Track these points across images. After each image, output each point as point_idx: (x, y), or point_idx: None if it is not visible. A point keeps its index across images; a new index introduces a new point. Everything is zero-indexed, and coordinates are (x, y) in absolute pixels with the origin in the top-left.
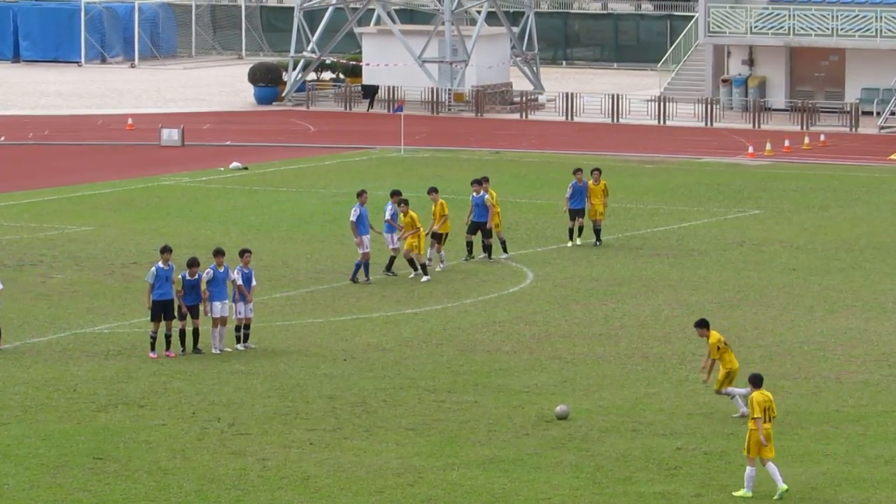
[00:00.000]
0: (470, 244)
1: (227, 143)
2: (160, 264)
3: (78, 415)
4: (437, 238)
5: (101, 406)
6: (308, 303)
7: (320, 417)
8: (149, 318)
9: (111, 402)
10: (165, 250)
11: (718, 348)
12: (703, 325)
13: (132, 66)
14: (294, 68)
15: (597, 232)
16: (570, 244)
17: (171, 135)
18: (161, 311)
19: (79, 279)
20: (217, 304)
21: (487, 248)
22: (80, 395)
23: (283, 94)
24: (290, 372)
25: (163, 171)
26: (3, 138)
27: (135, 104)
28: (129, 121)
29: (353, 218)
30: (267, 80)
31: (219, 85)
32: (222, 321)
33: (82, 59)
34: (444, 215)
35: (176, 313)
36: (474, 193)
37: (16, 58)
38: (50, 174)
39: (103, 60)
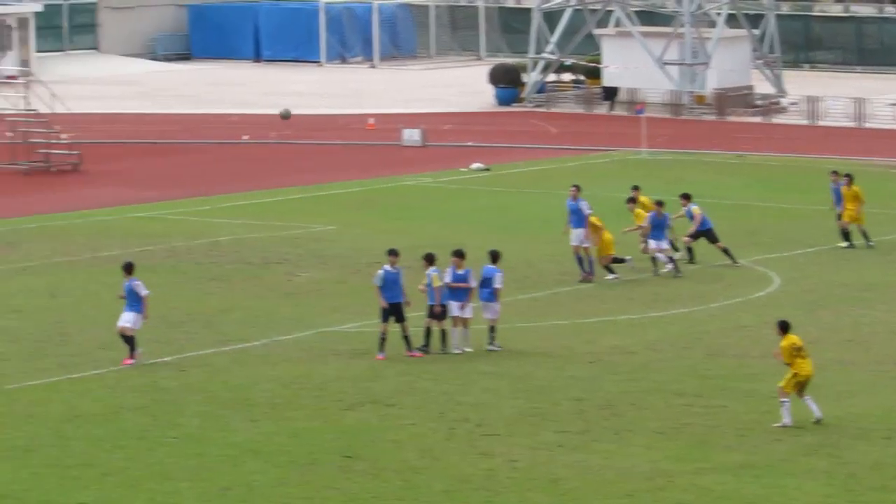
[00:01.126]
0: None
1: (468, 143)
2: (387, 266)
3: (326, 413)
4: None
5: (349, 405)
6: (552, 304)
7: (568, 419)
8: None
9: (359, 400)
10: (392, 253)
11: (791, 353)
12: (781, 327)
13: (372, 67)
14: (533, 69)
15: (863, 234)
16: (844, 244)
17: (412, 135)
18: (391, 313)
19: (323, 278)
20: (454, 304)
21: (725, 252)
22: (328, 393)
23: (522, 96)
24: (536, 373)
25: (404, 171)
26: (246, 137)
27: (375, 104)
28: (370, 121)
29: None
30: (507, 81)
31: (458, 85)
32: (463, 321)
33: (322, 59)
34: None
35: (427, 312)
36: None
37: (257, 58)
38: (293, 173)
39: (343, 60)
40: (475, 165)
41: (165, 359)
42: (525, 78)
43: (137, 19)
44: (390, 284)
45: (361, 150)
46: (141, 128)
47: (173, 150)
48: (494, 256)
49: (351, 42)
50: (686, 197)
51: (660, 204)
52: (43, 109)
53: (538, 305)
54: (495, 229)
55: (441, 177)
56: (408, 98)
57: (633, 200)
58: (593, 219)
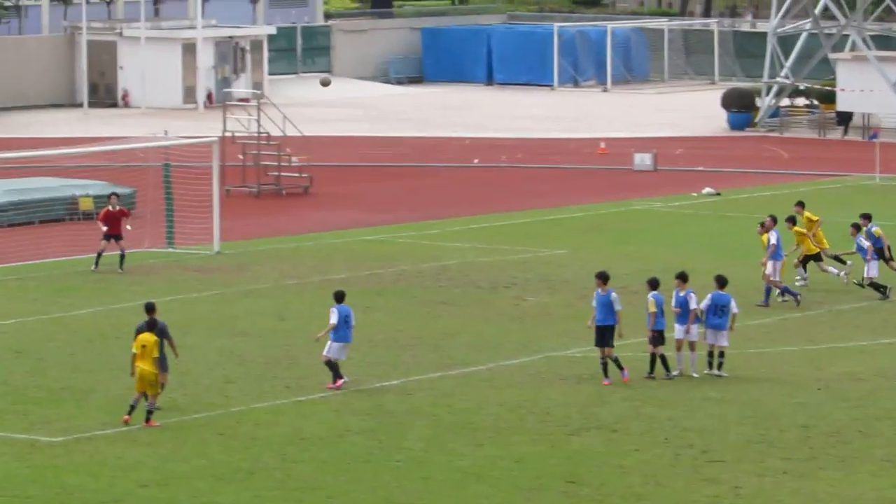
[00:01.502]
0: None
1: (700, 168)
2: (599, 290)
3: (551, 438)
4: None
5: (574, 430)
6: (781, 330)
7: (794, 446)
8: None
9: (584, 425)
10: (600, 277)
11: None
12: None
13: (604, 90)
14: (767, 94)
15: None
16: None
17: (643, 159)
18: (600, 335)
19: (552, 302)
20: (679, 328)
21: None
22: (553, 418)
23: (756, 120)
24: (763, 400)
25: (635, 195)
26: (476, 161)
27: (607, 128)
28: (602, 145)
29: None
30: (740, 106)
31: (691, 110)
32: (690, 344)
33: (555, 83)
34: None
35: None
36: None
37: (489, 81)
38: (522, 197)
39: (575, 84)
40: (706, 190)
41: (392, 382)
42: (758, 102)
43: (370, 42)
44: (600, 307)
45: (592, 174)
46: (372, 151)
47: (404, 174)
48: (722, 282)
49: (584, 65)
50: (866, 217)
51: (857, 227)
52: (275, 132)
53: (767, 331)
54: (724, 254)
55: (671, 201)
56: (640, 122)
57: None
58: (798, 227)
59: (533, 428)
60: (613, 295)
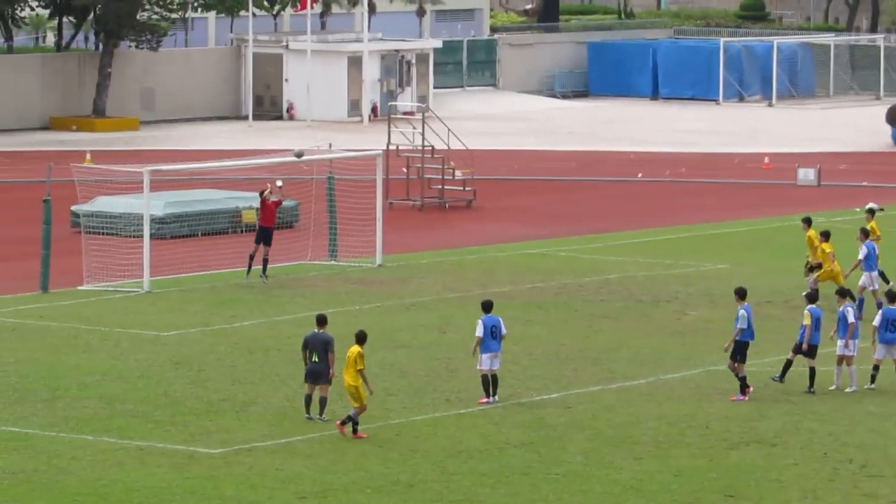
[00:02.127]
0: None
1: (864, 183)
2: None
3: (710, 451)
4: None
5: (734, 444)
6: None
7: None
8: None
9: (743, 439)
10: (738, 293)
11: None
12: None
13: (769, 105)
14: None
15: None
16: None
17: (807, 174)
18: (737, 351)
19: (713, 316)
20: (839, 343)
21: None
22: (713, 431)
23: None
24: None
25: (798, 210)
26: (640, 175)
27: (771, 143)
28: (766, 160)
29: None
30: None
31: (856, 125)
32: (847, 359)
33: (720, 98)
34: None
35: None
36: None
37: (654, 95)
38: (685, 211)
39: (741, 99)
40: (869, 206)
41: (552, 395)
42: None
43: (536, 56)
44: (742, 321)
45: (756, 189)
46: (536, 164)
47: (567, 187)
48: (893, 297)
49: (749, 80)
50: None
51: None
52: (439, 145)
53: None
54: (888, 270)
55: (834, 216)
56: (804, 137)
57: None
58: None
59: (692, 442)
60: (741, 312)
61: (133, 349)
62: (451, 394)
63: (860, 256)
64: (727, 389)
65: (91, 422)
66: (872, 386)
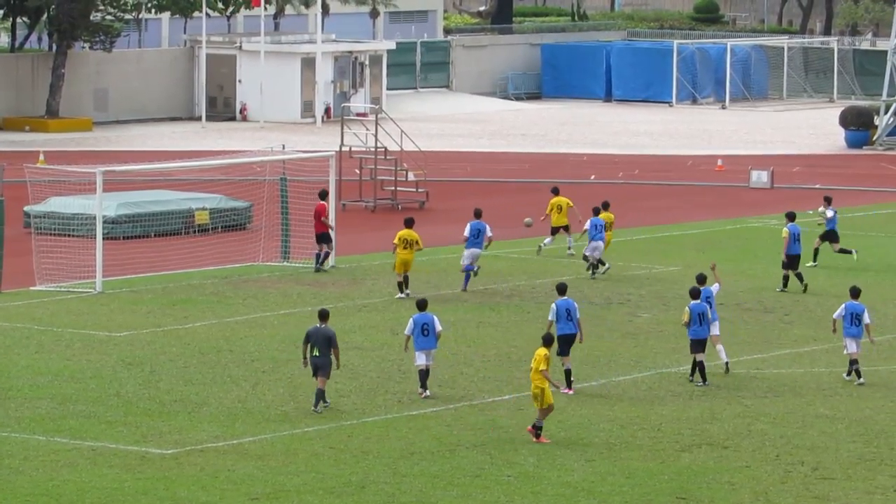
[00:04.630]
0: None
1: (817, 185)
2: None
3: (662, 453)
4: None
5: (686, 446)
6: (895, 348)
7: None
8: None
9: (695, 442)
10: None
11: None
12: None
13: (723, 108)
14: (886, 112)
15: None
16: None
17: (759, 177)
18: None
19: (665, 318)
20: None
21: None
22: (665, 434)
23: (874, 139)
24: (875, 417)
25: (751, 213)
26: (593, 177)
27: (724, 145)
28: (719, 162)
29: None
30: (858, 124)
31: (809, 128)
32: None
33: (673, 100)
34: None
35: None
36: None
37: (607, 97)
38: (638, 213)
39: (694, 101)
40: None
41: (504, 397)
42: (876, 121)
43: (489, 58)
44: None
45: (708, 191)
46: (489, 166)
47: (520, 189)
48: (857, 293)
49: (702, 82)
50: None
51: None
52: (392, 147)
53: (881, 349)
54: (840, 272)
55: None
56: (757, 139)
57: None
58: None
59: (644, 444)
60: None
61: (85, 350)
62: (404, 395)
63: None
64: (679, 392)
65: (43, 422)
66: (861, 380)
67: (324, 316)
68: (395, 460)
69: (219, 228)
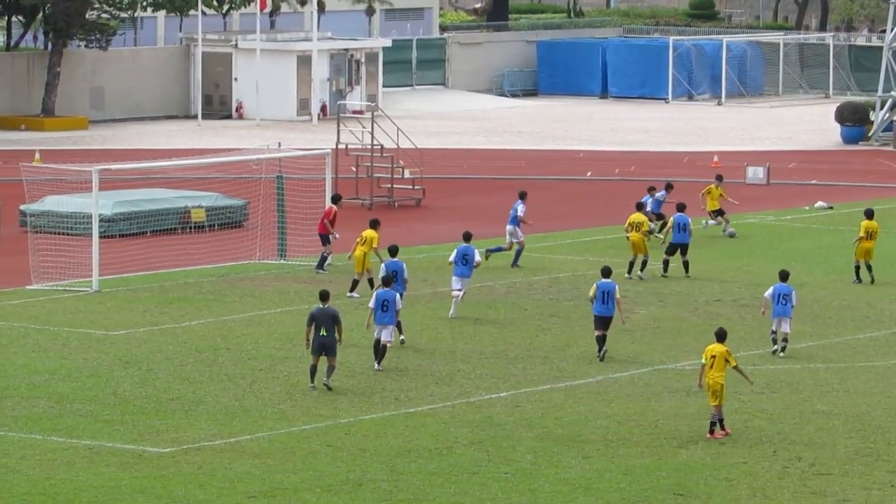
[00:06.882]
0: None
1: (813, 182)
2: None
3: (659, 450)
4: None
5: (683, 442)
6: (892, 344)
7: None
8: None
9: (692, 438)
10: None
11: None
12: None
13: (719, 104)
14: (881, 108)
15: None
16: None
17: (756, 173)
18: None
19: (662, 315)
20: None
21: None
22: (662, 430)
23: (869, 134)
24: (872, 413)
25: (748, 209)
26: (589, 174)
27: (720, 142)
28: (715, 158)
29: None
30: (854, 120)
31: (805, 124)
32: None
33: (669, 96)
34: None
35: None
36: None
37: (603, 94)
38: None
39: (690, 98)
40: (819, 204)
41: (501, 394)
42: (872, 116)
43: (485, 55)
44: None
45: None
46: (485, 163)
47: (516, 186)
48: (785, 276)
49: (698, 79)
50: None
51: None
52: (388, 144)
53: (877, 345)
54: (836, 269)
55: (783, 215)
56: (753, 136)
57: None
58: None
59: (641, 440)
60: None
61: (82, 348)
62: (401, 393)
63: None
64: (676, 388)
65: (40, 421)
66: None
67: (325, 296)
68: (392, 458)
69: (215, 226)
